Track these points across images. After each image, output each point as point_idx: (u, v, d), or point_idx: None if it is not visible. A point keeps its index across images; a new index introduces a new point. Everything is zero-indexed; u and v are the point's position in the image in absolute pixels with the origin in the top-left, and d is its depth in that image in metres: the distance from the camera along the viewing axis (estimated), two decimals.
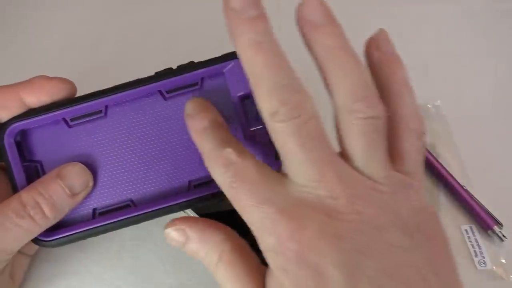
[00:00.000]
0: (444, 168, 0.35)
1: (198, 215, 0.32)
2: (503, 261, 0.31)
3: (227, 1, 0.20)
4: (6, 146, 0.25)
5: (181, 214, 0.33)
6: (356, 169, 0.20)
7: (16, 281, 0.29)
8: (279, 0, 0.48)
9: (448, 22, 0.47)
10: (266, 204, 0.19)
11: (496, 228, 0.32)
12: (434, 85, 0.42)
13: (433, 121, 0.39)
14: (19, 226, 0.24)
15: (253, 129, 0.25)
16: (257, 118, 0.25)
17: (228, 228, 0.23)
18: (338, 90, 0.20)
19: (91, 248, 0.32)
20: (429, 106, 0.39)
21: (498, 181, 0.35)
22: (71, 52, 0.45)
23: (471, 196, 0.33)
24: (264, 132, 0.25)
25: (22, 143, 0.26)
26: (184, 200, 0.25)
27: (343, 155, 0.21)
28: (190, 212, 0.31)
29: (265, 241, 0.20)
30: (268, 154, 0.25)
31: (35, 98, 0.25)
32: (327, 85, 0.21)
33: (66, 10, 0.48)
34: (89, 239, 0.30)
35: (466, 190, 0.34)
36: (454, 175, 0.34)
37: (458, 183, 0.34)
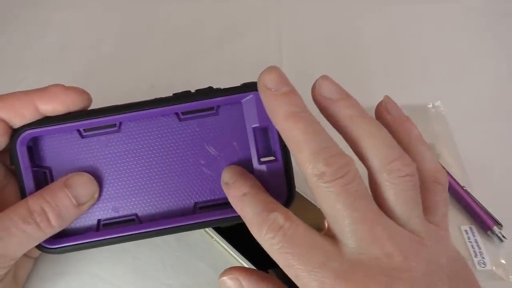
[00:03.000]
0: (444, 168, 0.35)
1: (216, 231, 0.32)
2: (503, 261, 0.31)
3: (262, 82, 0.22)
4: (18, 152, 0.25)
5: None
6: (400, 225, 0.21)
7: (20, 283, 0.29)
8: (279, 1, 0.48)
9: (448, 22, 0.47)
10: (322, 269, 0.19)
11: (495, 228, 0.32)
12: (434, 85, 0.42)
13: (433, 121, 0.39)
14: (24, 232, 0.24)
15: (263, 160, 0.25)
16: (269, 150, 0.26)
17: (281, 284, 0.23)
18: (372, 153, 0.21)
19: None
20: (429, 106, 0.39)
21: (498, 181, 0.35)
22: (71, 52, 0.45)
23: (471, 197, 0.33)
24: (275, 164, 0.25)
25: (33, 148, 0.26)
26: (189, 223, 0.26)
27: (384, 212, 0.21)
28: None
29: None
30: (278, 186, 0.25)
31: (50, 107, 0.25)
32: (357, 151, 0.22)
33: (66, 10, 0.48)
34: None
35: (465, 191, 0.34)
36: (454, 176, 0.34)
37: (458, 184, 0.34)
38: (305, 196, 0.33)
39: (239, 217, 0.24)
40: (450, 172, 0.35)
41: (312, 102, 0.23)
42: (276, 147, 0.25)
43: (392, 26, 0.46)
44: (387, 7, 0.48)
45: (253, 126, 0.25)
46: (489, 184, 0.35)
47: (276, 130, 0.25)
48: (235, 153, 0.26)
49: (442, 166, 0.35)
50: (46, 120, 0.25)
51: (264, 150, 0.26)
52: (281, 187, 0.25)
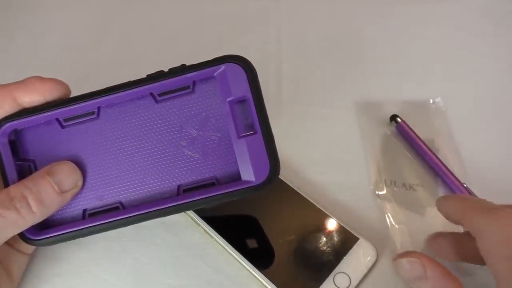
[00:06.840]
0: (444, 164, 0.35)
1: (200, 217, 0.32)
2: None
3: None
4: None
5: (183, 216, 0.33)
6: None
7: (14, 279, 0.29)
8: (279, 1, 0.48)
9: (448, 22, 0.47)
10: None
11: None
12: (435, 81, 0.42)
13: (433, 117, 0.39)
14: (4, 218, 0.23)
15: (243, 135, 0.25)
16: (248, 124, 0.25)
17: (461, 285, 0.23)
18: None
19: (91, 248, 0.32)
20: (430, 102, 0.40)
21: (498, 177, 0.35)
22: (71, 52, 0.45)
23: (471, 193, 0.33)
24: (255, 137, 0.25)
25: (17, 142, 0.26)
26: (173, 204, 0.25)
27: None
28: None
29: None
30: (260, 159, 0.25)
31: (28, 98, 0.25)
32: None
33: (66, 10, 0.48)
34: (90, 240, 0.30)
35: (465, 187, 0.34)
36: (453, 172, 0.34)
37: (458, 180, 0.34)
38: (305, 196, 0.33)
39: (223, 195, 0.23)
40: (449, 168, 0.34)
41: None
42: (254, 119, 0.25)
43: (392, 26, 0.46)
44: (387, 7, 0.48)
45: (229, 99, 0.25)
46: (488, 180, 0.34)
47: (253, 101, 0.24)
48: (214, 130, 0.26)
49: (441, 160, 0.35)
50: (25, 112, 0.25)
51: (242, 123, 0.25)
52: (263, 160, 0.25)
